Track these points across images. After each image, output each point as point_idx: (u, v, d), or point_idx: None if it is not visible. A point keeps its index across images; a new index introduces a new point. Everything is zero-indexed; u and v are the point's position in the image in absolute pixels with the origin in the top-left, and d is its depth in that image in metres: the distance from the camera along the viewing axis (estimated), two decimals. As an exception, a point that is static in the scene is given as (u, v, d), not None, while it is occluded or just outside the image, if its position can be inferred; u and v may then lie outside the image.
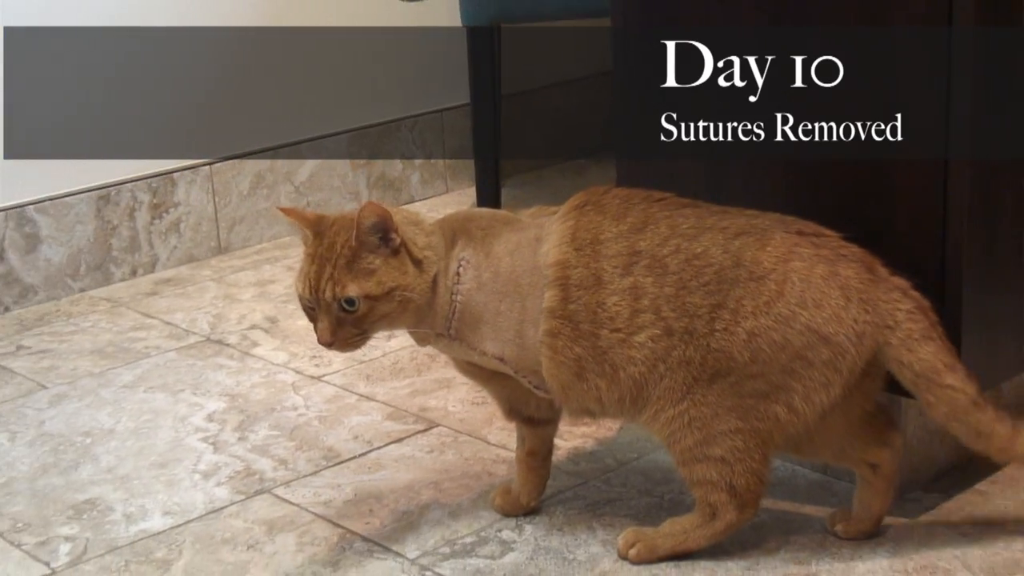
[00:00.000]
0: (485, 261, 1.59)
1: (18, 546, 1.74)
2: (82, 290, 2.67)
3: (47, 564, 1.70)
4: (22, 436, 2.05)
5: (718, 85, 1.76)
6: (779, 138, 1.71)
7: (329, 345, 1.54)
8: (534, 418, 1.70)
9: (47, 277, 2.63)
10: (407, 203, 3.13)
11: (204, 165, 2.82)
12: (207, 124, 2.81)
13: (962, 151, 1.57)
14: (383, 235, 1.53)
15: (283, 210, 1.60)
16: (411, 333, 1.65)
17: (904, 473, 1.72)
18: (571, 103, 3.44)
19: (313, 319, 1.56)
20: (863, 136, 1.64)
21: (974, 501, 1.71)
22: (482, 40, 2.66)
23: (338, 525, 1.75)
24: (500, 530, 1.71)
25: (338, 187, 3.03)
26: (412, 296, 1.55)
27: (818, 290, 1.50)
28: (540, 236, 1.59)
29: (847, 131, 1.65)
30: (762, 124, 1.73)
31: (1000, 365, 1.73)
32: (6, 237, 2.57)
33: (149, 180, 2.74)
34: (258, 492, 1.85)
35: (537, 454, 1.72)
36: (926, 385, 1.51)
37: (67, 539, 1.75)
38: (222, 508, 1.81)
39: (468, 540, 1.69)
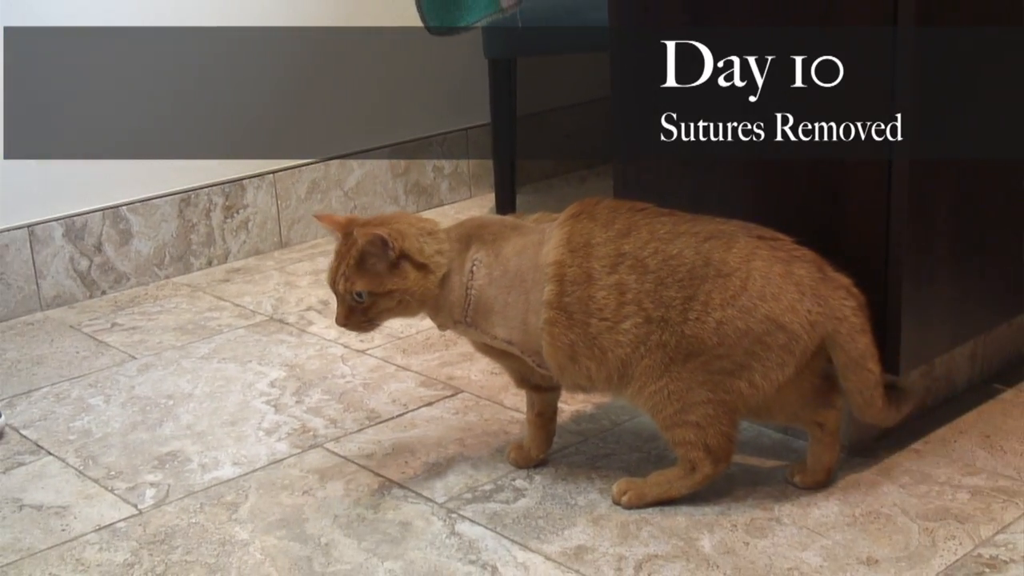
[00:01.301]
0: (495, 261, 1.60)
1: (111, 491, 1.74)
2: (166, 277, 2.67)
3: (135, 506, 1.69)
4: (115, 398, 2.05)
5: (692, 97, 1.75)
6: (743, 138, 1.70)
7: (344, 326, 1.61)
8: (540, 386, 1.69)
9: (137, 266, 2.62)
10: (437, 206, 3.12)
11: (268, 173, 2.81)
12: (272, 139, 2.81)
13: (903, 153, 1.56)
14: (382, 251, 1.57)
15: (317, 216, 1.68)
16: (432, 320, 1.65)
17: (852, 435, 1.72)
18: (576, 123, 3.43)
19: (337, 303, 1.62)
20: (818, 138, 1.63)
21: (910, 458, 1.70)
22: (501, 70, 2.65)
23: (378, 474, 1.74)
24: (514, 479, 1.70)
25: (380, 192, 3.02)
26: (412, 296, 1.59)
27: (776, 285, 1.51)
28: (543, 239, 1.60)
29: (806, 132, 1.64)
30: (732, 127, 1.72)
31: (934, 343, 1.72)
32: (104, 232, 2.56)
33: (223, 185, 2.74)
34: (312, 446, 1.85)
35: (544, 415, 1.72)
36: (854, 367, 1.55)
37: (152, 485, 1.75)
38: (282, 460, 1.81)
39: (487, 487, 1.69)
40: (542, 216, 1.67)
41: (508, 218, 1.69)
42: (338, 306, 1.61)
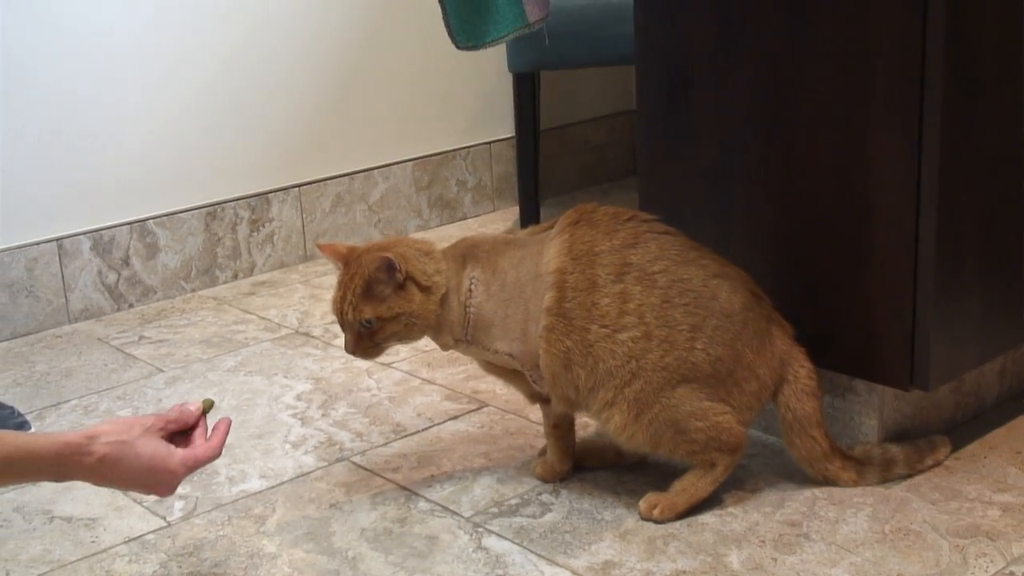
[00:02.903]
0: (492, 276, 1.61)
1: (140, 503, 1.73)
2: (193, 290, 2.67)
3: (164, 518, 1.69)
4: (143, 411, 2.05)
5: (726, 116, 1.74)
6: (768, 153, 1.69)
7: (353, 353, 1.60)
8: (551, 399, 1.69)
9: (164, 279, 2.63)
10: (460, 220, 3.12)
11: (294, 187, 2.82)
12: (297, 154, 2.81)
13: (931, 168, 1.55)
14: (388, 275, 1.56)
15: (319, 246, 1.66)
16: (434, 340, 1.65)
17: (881, 449, 1.70)
18: (598, 136, 3.43)
19: (342, 327, 1.61)
20: (845, 153, 1.62)
21: (940, 474, 1.69)
22: (525, 84, 2.65)
23: (405, 488, 1.74)
24: (540, 494, 1.69)
25: (404, 206, 3.02)
26: (417, 319, 1.59)
27: (759, 339, 1.60)
28: (541, 250, 1.61)
29: (832, 147, 1.63)
30: (757, 142, 1.71)
31: (963, 359, 1.71)
32: (131, 246, 2.57)
33: (248, 199, 2.74)
34: (338, 459, 1.84)
35: (560, 427, 1.71)
36: (798, 429, 1.62)
37: (180, 497, 1.75)
38: (308, 472, 1.81)
39: (513, 502, 1.68)
40: (535, 228, 1.68)
41: (500, 235, 1.70)
42: (346, 334, 1.60)
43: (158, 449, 1.39)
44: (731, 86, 1.72)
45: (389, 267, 1.56)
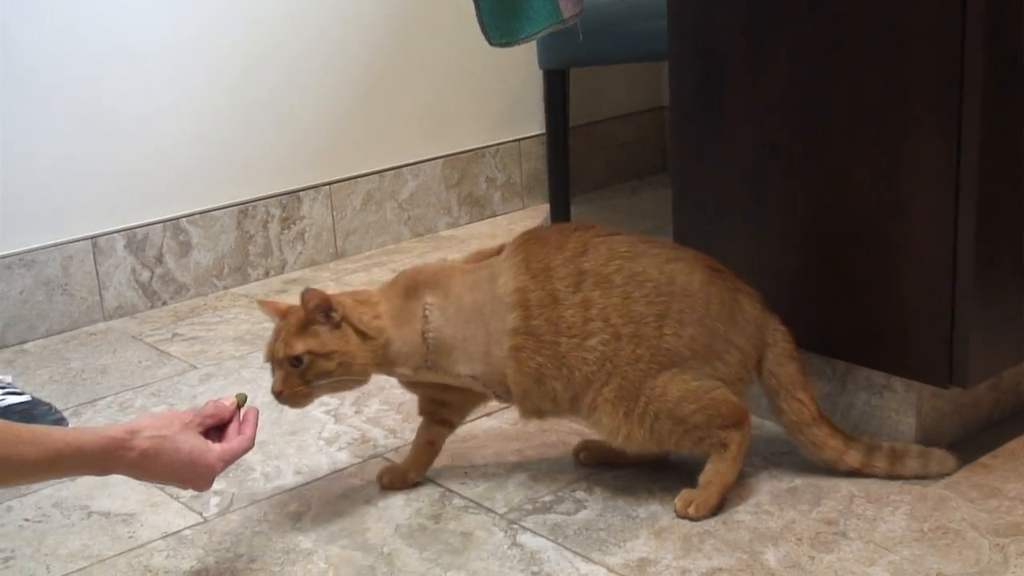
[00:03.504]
0: (446, 300, 1.61)
1: (177, 498, 1.74)
2: (225, 288, 2.68)
3: (200, 514, 1.70)
4: (178, 407, 2.06)
5: (761, 112, 1.73)
6: (803, 148, 1.68)
7: (279, 394, 1.56)
8: (447, 420, 1.72)
9: (197, 277, 2.64)
10: (490, 217, 3.12)
11: (324, 185, 2.82)
12: (327, 152, 2.82)
13: (970, 164, 1.53)
14: (325, 313, 1.56)
15: (260, 303, 1.66)
16: (390, 375, 1.65)
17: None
18: (627, 133, 3.42)
19: (273, 374, 1.59)
20: (882, 148, 1.61)
21: (979, 472, 1.67)
22: (556, 81, 2.64)
23: (439, 484, 1.73)
24: (574, 491, 1.69)
25: (433, 203, 3.02)
26: (354, 360, 1.56)
27: (729, 310, 1.59)
28: (493, 273, 1.61)
29: (869, 141, 1.62)
30: (792, 137, 1.70)
31: (1001, 356, 1.69)
32: (164, 244, 2.58)
33: (280, 197, 2.75)
34: (372, 456, 1.84)
35: (434, 443, 1.73)
36: (784, 394, 1.62)
37: (216, 493, 1.75)
38: (343, 469, 1.81)
39: (547, 499, 1.67)
40: (476, 255, 1.69)
41: (438, 262, 1.70)
42: (274, 374, 1.57)
43: (196, 444, 1.42)
44: (766, 82, 1.71)
45: (326, 305, 1.55)
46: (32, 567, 1.58)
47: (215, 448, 1.44)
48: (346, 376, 1.57)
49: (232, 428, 1.49)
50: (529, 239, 1.63)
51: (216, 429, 1.49)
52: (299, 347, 1.54)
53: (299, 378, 1.55)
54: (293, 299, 2.54)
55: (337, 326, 1.56)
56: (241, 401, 1.52)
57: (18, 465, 1.27)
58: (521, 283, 1.59)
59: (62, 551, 1.62)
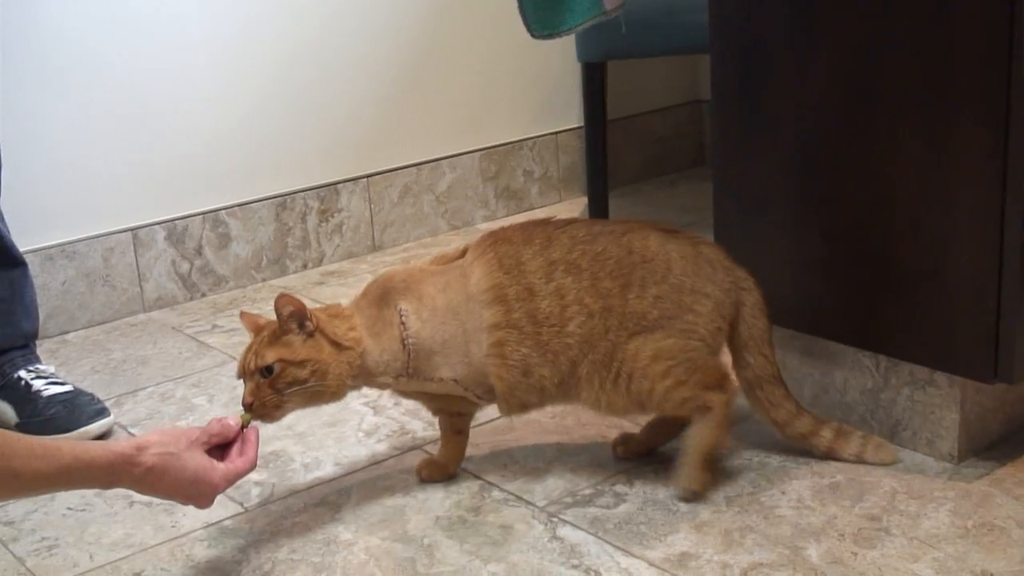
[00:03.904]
0: (420, 304, 1.61)
1: (217, 489, 1.75)
2: (263, 280, 2.69)
3: (241, 504, 1.71)
4: (218, 398, 2.07)
5: (803, 104, 1.72)
6: (848, 142, 1.67)
7: (249, 406, 1.54)
8: (460, 412, 1.72)
9: (235, 269, 2.65)
10: (527, 210, 3.12)
11: (362, 177, 2.83)
12: (365, 144, 2.82)
13: (1018, 159, 1.52)
14: (299, 322, 1.55)
15: (241, 314, 1.66)
16: (370, 386, 1.64)
17: (962, 444, 1.68)
18: (664, 127, 3.41)
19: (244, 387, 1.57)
20: (928, 142, 1.59)
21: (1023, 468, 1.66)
22: (594, 74, 2.64)
23: (478, 477, 1.74)
24: (614, 484, 1.69)
25: (471, 196, 3.03)
26: (328, 370, 1.55)
27: (693, 263, 1.62)
28: (464, 273, 1.62)
29: (915, 134, 1.60)
30: (836, 130, 1.69)
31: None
32: (203, 236, 2.59)
33: (318, 190, 2.76)
34: (411, 448, 1.85)
35: (462, 432, 1.73)
36: (752, 347, 1.65)
37: (257, 484, 1.76)
38: (382, 461, 1.81)
39: (587, 492, 1.67)
40: (439, 257, 1.69)
41: (405, 266, 1.70)
42: (246, 385, 1.55)
43: (202, 462, 1.44)
44: (810, 74, 1.70)
45: (299, 313, 1.55)
46: (75, 555, 1.60)
47: (220, 467, 1.46)
48: (319, 384, 1.55)
49: (235, 448, 1.52)
50: (495, 240, 1.64)
51: (219, 448, 1.51)
52: (270, 356, 1.53)
53: (269, 388, 1.53)
54: (332, 291, 2.57)
55: (311, 335, 1.56)
56: (245, 422, 1.54)
57: (30, 479, 1.29)
58: (496, 280, 1.60)
59: (105, 540, 1.63)
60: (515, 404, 1.64)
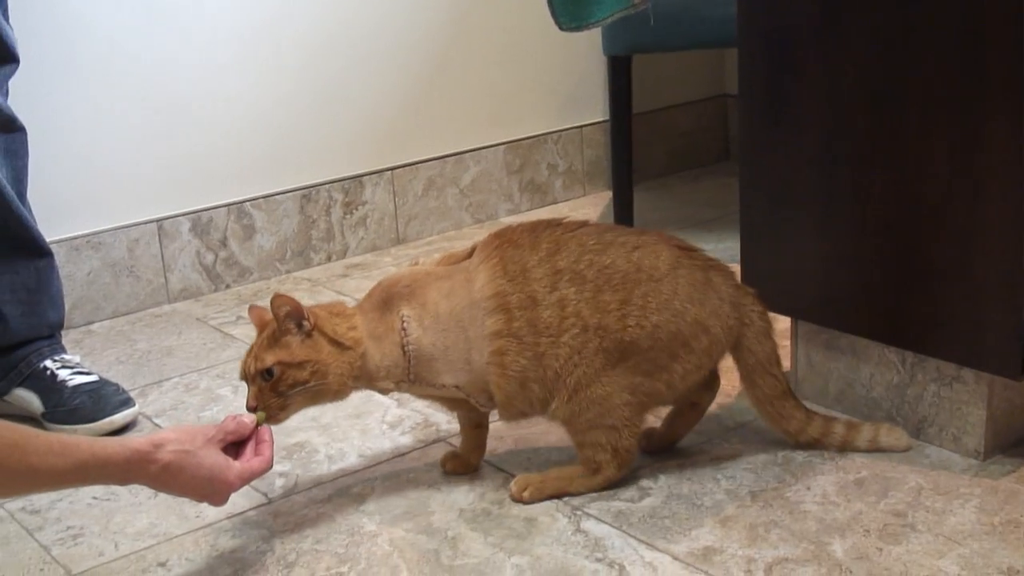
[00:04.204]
0: (423, 310, 1.60)
1: (242, 479, 1.76)
2: (288, 272, 2.70)
3: (265, 495, 1.72)
4: (242, 389, 2.04)
5: (832, 102, 1.72)
6: (876, 134, 1.66)
7: (253, 410, 1.54)
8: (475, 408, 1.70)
9: (260, 260, 2.66)
10: (551, 204, 3.12)
11: (387, 170, 2.84)
12: (390, 137, 2.83)
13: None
14: (297, 321, 1.54)
15: (249, 309, 1.64)
16: (371, 389, 1.63)
17: (988, 441, 1.67)
18: (688, 122, 3.40)
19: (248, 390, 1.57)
20: (956, 134, 1.58)
21: (1051, 466, 1.65)
22: (620, 68, 2.63)
23: (501, 470, 1.74)
24: (639, 479, 1.68)
25: (495, 190, 3.03)
26: (328, 369, 1.54)
27: (700, 291, 1.59)
28: (469, 278, 1.60)
29: (943, 127, 1.59)
30: (864, 123, 1.68)
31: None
32: (228, 228, 2.61)
33: (342, 182, 2.76)
34: (435, 441, 1.85)
35: (482, 425, 1.73)
36: (760, 370, 1.64)
37: (281, 475, 1.77)
38: (406, 453, 1.82)
39: (608, 488, 1.67)
40: (447, 256, 1.68)
41: (415, 267, 1.68)
42: (249, 390, 1.55)
43: (217, 460, 1.45)
44: (839, 68, 1.69)
45: (296, 312, 1.53)
46: (100, 544, 1.61)
47: (235, 466, 1.47)
48: (320, 383, 1.54)
49: (249, 446, 1.52)
50: (502, 243, 1.62)
51: (234, 445, 1.51)
52: (269, 359, 1.52)
53: (271, 391, 1.53)
54: (356, 284, 2.58)
55: (309, 335, 1.55)
56: (260, 420, 1.54)
57: (47, 475, 1.30)
58: (499, 287, 1.58)
59: (130, 529, 1.64)
60: (514, 412, 1.63)
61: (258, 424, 1.54)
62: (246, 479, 1.48)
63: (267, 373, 1.53)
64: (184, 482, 1.42)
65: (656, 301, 1.57)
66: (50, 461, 1.29)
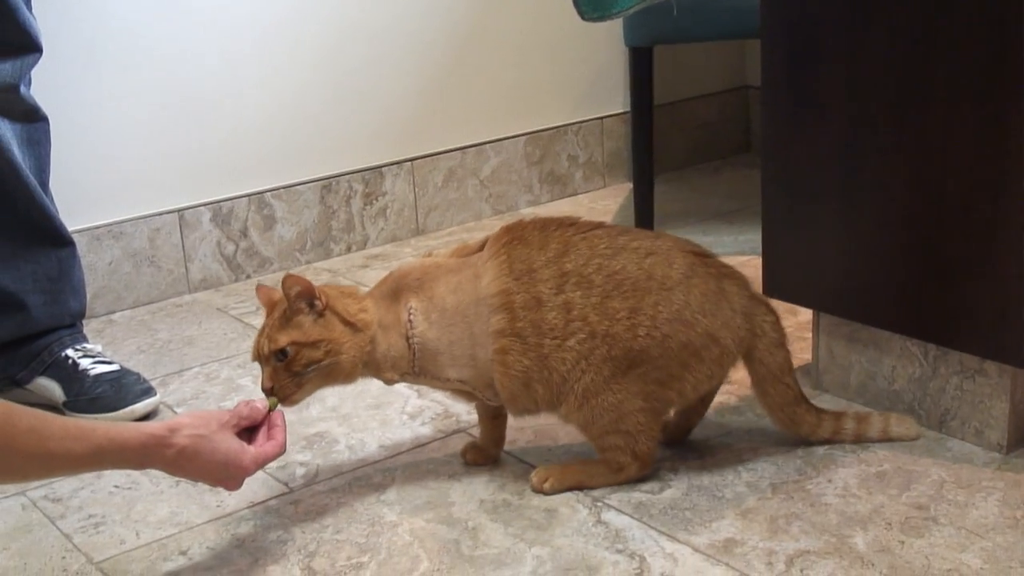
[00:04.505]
0: (430, 304, 1.59)
1: (263, 469, 1.76)
2: (308, 262, 2.71)
3: (286, 484, 1.72)
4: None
5: (856, 92, 1.71)
6: (899, 126, 1.65)
7: (269, 391, 1.53)
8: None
9: (280, 251, 2.67)
10: (571, 195, 3.11)
11: (407, 161, 2.84)
12: (410, 128, 2.83)
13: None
14: (309, 301, 1.54)
15: (257, 288, 1.64)
16: (377, 377, 1.62)
17: (1011, 434, 1.67)
18: (710, 113, 3.39)
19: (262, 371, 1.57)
20: (981, 125, 1.57)
21: (1074, 459, 1.65)
22: (642, 58, 2.63)
23: (522, 460, 1.74)
24: (659, 470, 1.68)
25: (515, 181, 3.03)
26: (342, 349, 1.54)
27: (713, 302, 1.58)
28: (477, 273, 1.60)
29: (968, 118, 1.59)
30: (887, 114, 1.67)
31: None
32: (249, 218, 2.61)
33: (363, 173, 2.77)
34: (455, 431, 1.86)
35: (500, 416, 1.72)
36: (771, 380, 1.64)
37: (302, 464, 1.78)
38: (426, 444, 1.82)
39: (630, 484, 1.67)
40: (460, 248, 1.67)
41: (425, 260, 1.68)
42: (263, 371, 1.55)
43: (232, 445, 1.45)
44: (862, 59, 1.69)
45: (308, 292, 1.53)
46: (122, 532, 1.62)
47: (250, 451, 1.47)
48: (334, 361, 1.54)
49: (262, 431, 1.53)
50: (512, 239, 1.61)
51: (247, 430, 1.52)
52: (283, 340, 1.52)
53: (286, 371, 1.53)
54: (376, 274, 2.58)
55: (321, 314, 1.54)
56: (272, 405, 1.55)
57: (64, 460, 1.31)
58: (504, 285, 1.58)
59: (151, 518, 1.65)
60: (520, 409, 1.63)
61: (271, 409, 1.54)
62: (260, 463, 1.49)
63: (281, 353, 1.53)
64: (199, 466, 1.42)
65: (667, 311, 1.56)
66: (67, 445, 1.30)
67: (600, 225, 1.63)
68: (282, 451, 1.52)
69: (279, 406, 1.55)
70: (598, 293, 1.56)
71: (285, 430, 1.54)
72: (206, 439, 1.42)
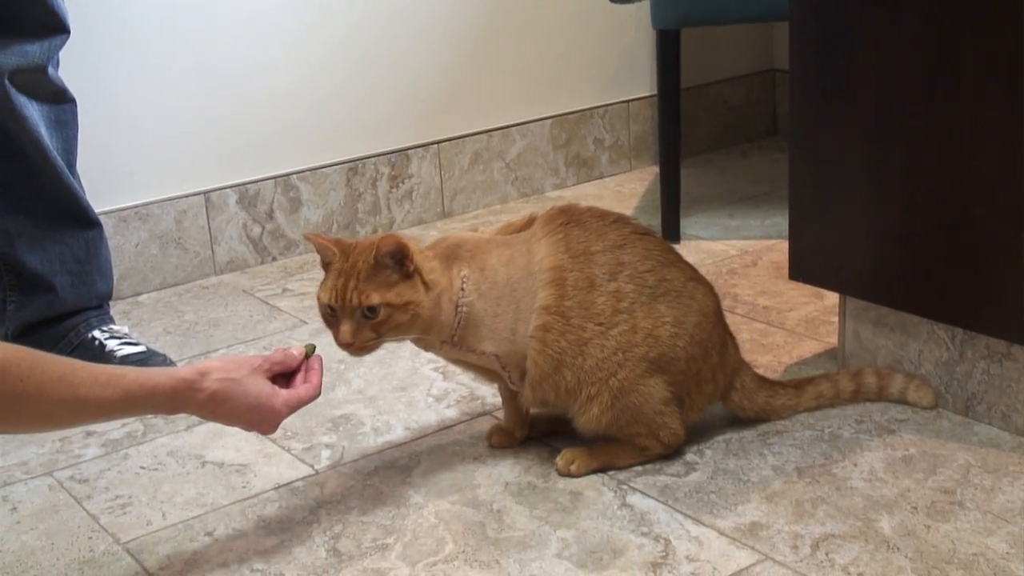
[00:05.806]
0: (481, 275, 1.59)
1: (289, 451, 1.78)
2: (333, 245, 2.72)
3: (311, 466, 1.74)
4: (288, 362, 2.10)
5: (881, 78, 1.70)
6: (930, 108, 1.65)
7: (348, 346, 1.51)
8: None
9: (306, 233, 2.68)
10: (597, 179, 3.11)
11: (433, 143, 2.84)
12: (436, 110, 2.84)
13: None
14: (399, 261, 1.51)
15: (307, 237, 1.59)
16: (415, 341, 1.61)
17: (1040, 419, 1.66)
18: (737, 96, 3.38)
19: (331, 324, 1.54)
20: (1014, 108, 1.57)
21: (1103, 445, 1.64)
22: (669, 41, 2.62)
23: (548, 444, 1.75)
24: (684, 453, 1.69)
25: (541, 164, 3.03)
26: (422, 311, 1.53)
27: (721, 346, 1.68)
28: (530, 248, 1.61)
29: (1002, 101, 1.58)
30: (917, 96, 1.67)
31: None
32: (275, 200, 2.63)
33: (389, 155, 2.78)
34: (481, 414, 1.86)
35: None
36: (752, 412, 1.74)
37: (327, 446, 1.79)
38: (452, 426, 1.83)
39: (657, 460, 1.68)
40: (505, 226, 1.68)
41: (477, 233, 1.68)
42: (343, 324, 1.51)
43: (263, 388, 1.45)
44: (891, 42, 1.68)
45: (402, 252, 1.51)
46: (148, 513, 1.64)
47: (281, 393, 1.47)
48: (414, 324, 1.53)
49: (299, 377, 1.52)
50: (569, 220, 1.62)
51: (284, 377, 1.52)
52: (375, 297, 1.49)
53: (371, 330, 1.51)
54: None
55: (409, 276, 1.53)
56: (309, 352, 1.55)
57: (95, 406, 1.31)
58: (559, 261, 1.59)
59: (177, 499, 1.67)
60: (539, 395, 1.63)
61: (307, 356, 1.54)
62: (293, 407, 1.48)
63: (370, 310, 1.50)
64: (230, 409, 1.43)
65: (699, 336, 1.63)
66: (98, 392, 1.30)
67: (652, 233, 1.67)
68: (316, 394, 1.51)
69: (317, 352, 1.55)
70: (648, 293, 1.60)
71: (321, 374, 1.53)
72: (237, 382, 1.42)
